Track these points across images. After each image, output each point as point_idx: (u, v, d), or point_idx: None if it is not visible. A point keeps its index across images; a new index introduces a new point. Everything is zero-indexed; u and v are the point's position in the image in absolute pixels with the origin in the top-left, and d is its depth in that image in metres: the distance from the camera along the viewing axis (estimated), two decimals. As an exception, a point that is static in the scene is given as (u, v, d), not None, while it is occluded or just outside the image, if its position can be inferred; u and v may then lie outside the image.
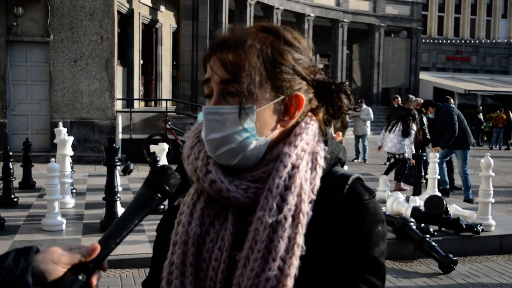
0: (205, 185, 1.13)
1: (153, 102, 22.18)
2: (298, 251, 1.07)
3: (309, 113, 1.20)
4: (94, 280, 1.03)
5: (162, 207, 7.03)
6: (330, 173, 1.18)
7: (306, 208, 1.09)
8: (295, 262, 1.06)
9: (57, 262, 0.98)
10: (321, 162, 1.15)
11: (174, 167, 1.11)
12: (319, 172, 1.14)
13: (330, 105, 1.22)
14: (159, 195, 1.08)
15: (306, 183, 1.11)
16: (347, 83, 1.24)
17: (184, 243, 1.13)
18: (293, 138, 1.14)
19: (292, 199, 1.08)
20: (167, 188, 1.08)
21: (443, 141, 9.95)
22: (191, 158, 1.18)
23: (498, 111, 24.25)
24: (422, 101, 11.05)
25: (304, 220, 1.08)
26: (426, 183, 8.36)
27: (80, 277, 1.00)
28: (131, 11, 18.93)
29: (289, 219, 1.07)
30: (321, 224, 1.12)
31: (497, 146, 23.61)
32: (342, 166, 1.25)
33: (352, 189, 1.16)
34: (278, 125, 1.15)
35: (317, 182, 1.13)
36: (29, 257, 0.98)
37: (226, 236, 1.12)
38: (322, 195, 1.13)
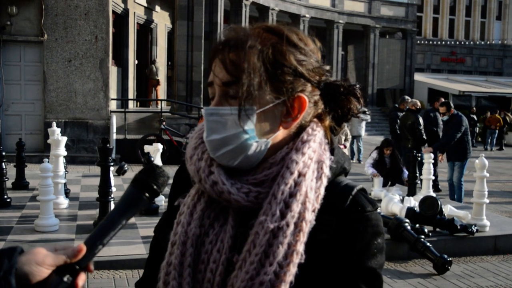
0: (206, 186, 1.11)
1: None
2: (296, 259, 1.05)
3: (315, 119, 1.18)
4: (79, 282, 1.00)
5: (156, 206, 7.03)
6: (335, 183, 1.17)
7: (310, 216, 1.08)
8: (292, 269, 1.05)
9: (42, 263, 0.96)
10: (326, 171, 1.13)
11: (167, 167, 1.08)
12: (324, 181, 1.12)
13: (338, 107, 1.20)
14: (147, 194, 1.05)
15: (311, 191, 1.09)
16: (358, 85, 1.20)
17: (183, 244, 1.12)
18: (300, 145, 1.12)
19: (296, 207, 1.06)
20: (155, 187, 1.06)
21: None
22: (194, 158, 1.16)
23: (490, 113, 24.34)
24: (418, 102, 11.03)
25: (306, 228, 1.07)
26: (421, 183, 8.38)
27: (65, 279, 0.97)
28: (126, 11, 18.87)
29: (291, 226, 1.05)
30: (322, 232, 1.11)
31: (490, 147, 23.72)
32: (346, 175, 1.23)
33: (356, 200, 1.15)
34: (280, 127, 1.13)
35: (322, 191, 1.11)
36: (13, 259, 0.95)
37: (226, 238, 1.11)
38: (325, 204, 1.11)
